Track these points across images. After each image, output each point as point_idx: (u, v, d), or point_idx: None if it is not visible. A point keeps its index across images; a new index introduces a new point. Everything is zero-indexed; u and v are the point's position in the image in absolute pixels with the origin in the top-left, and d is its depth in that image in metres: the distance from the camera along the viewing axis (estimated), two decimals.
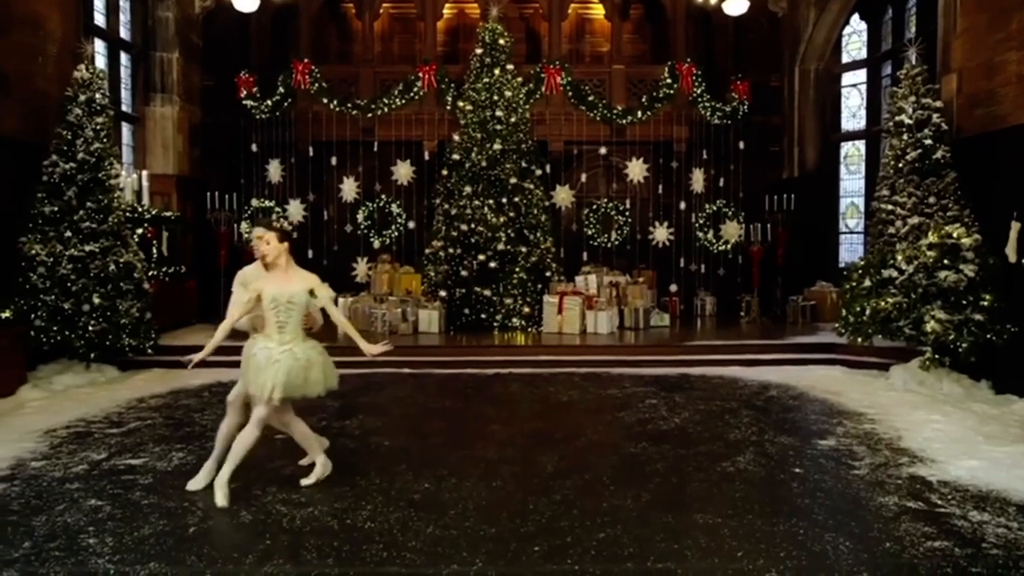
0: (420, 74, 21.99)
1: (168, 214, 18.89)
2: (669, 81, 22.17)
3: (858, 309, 14.66)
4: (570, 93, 22.17)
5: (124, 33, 19.89)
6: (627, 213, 22.81)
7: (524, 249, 19.41)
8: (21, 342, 13.21)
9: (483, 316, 19.19)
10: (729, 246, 22.69)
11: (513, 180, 19.51)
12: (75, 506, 7.81)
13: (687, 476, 8.92)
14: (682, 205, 22.87)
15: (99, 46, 18.44)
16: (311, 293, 8.25)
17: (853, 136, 22.96)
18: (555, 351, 17.15)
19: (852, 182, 22.96)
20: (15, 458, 9.53)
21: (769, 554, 6.67)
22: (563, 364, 16.14)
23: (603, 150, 22.66)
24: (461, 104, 20.51)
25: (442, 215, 20.02)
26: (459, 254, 19.34)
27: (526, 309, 19.21)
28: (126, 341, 14.55)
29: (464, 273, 19.22)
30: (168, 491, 8.23)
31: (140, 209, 17.26)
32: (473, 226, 19.21)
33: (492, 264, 19.06)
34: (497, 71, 20.01)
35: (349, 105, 22.04)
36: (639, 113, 22.22)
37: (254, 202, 22.24)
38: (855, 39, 22.86)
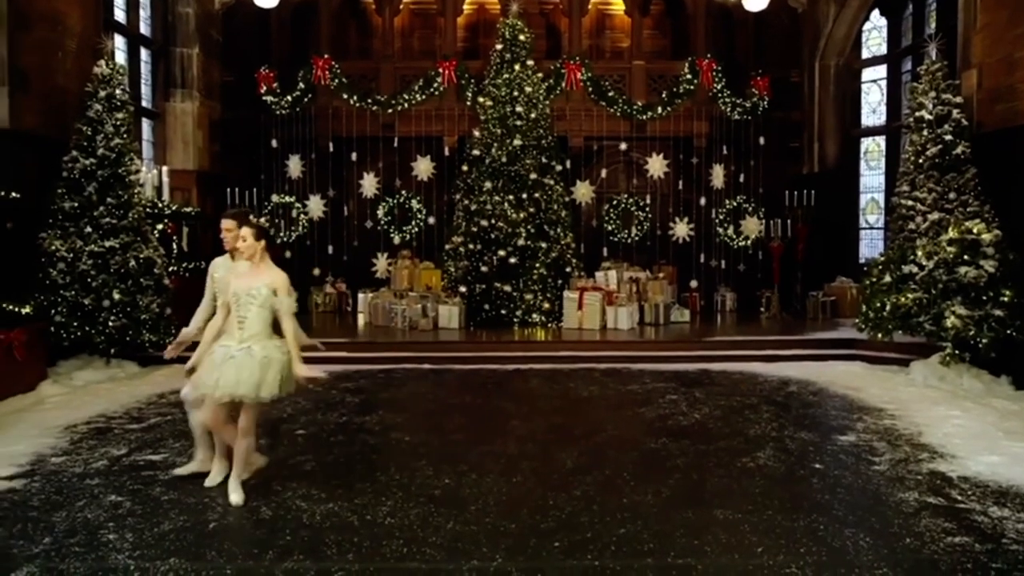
0: (440, 70, 22.00)
1: (188, 210, 18.88)
2: (689, 77, 22.12)
3: (878, 305, 14.63)
4: (590, 89, 22.13)
5: (144, 29, 19.94)
6: (647, 209, 22.80)
7: (544, 245, 19.39)
8: (41, 338, 13.21)
9: (503, 312, 19.15)
10: (749, 242, 22.64)
11: (533, 176, 19.50)
12: (95, 502, 7.82)
13: (707, 472, 8.90)
14: (702, 201, 22.83)
15: (119, 42, 18.49)
16: (274, 292, 7.85)
17: (873, 132, 22.89)
18: (575, 347, 17.14)
19: (872, 178, 22.89)
20: (35, 454, 9.55)
21: (789, 550, 6.66)
22: (583, 360, 16.10)
23: (623, 146, 22.62)
24: (481, 100, 20.50)
25: (462, 211, 20.02)
26: (479, 250, 19.33)
27: (546, 305, 19.19)
28: (146, 337, 14.57)
29: (484, 269, 19.21)
30: (188, 487, 8.21)
31: (160, 205, 17.27)
32: (493, 222, 19.20)
33: (512, 260, 19.04)
34: (517, 67, 19.99)
35: (369, 101, 22.05)
36: (659, 109, 22.19)
37: (274, 198, 22.30)
38: (875, 35, 22.77)
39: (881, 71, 22.65)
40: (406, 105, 22.06)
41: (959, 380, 13.31)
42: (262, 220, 8.16)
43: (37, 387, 12.84)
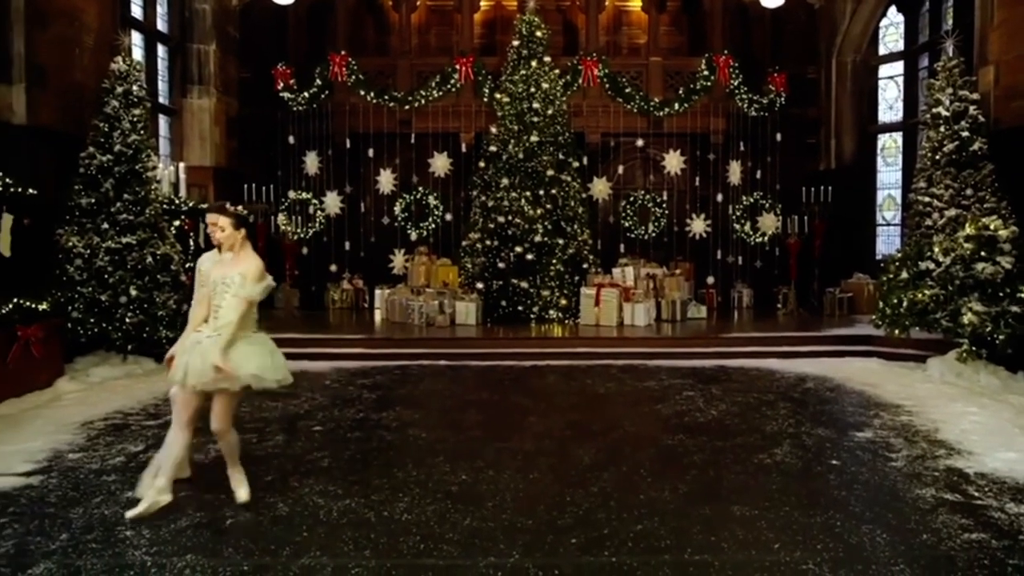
0: (457, 66, 22.05)
1: (205, 206, 18.88)
2: (706, 73, 22.15)
3: (895, 301, 14.60)
4: (607, 85, 22.16)
5: (161, 25, 20.00)
6: (664, 205, 22.83)
7: (561, 241, 19.39)
8: (58, 334, 13.22)
9: (520, 308, 19.16)
10: (766, 238, 22.65)
11: (550, 172, 19.50)
12: (112, 498, 7.82)
13: (724, 468, 8.88)
14: (719, 197, 22.85)
15: (136, 38, 18.52)
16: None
17: (890, 128, 22.85)
18: (592, 343, 17.17)
19: (889, 174, 22.85)
20: (52, 450, 9.57)
21: (806, 546, 6.65)
22: (600, 356, 16.12)
23: (640, 142, 22.65)
24: (498, 96, 20.53)
25: (479, 207, 20.03)
26: (496, 246, 19.34)
27: (563, 301, 19.19)
28: (163, 333, 14.55)
29: (501, 265, 19.22)
30: (205, 483, 8.22)
31: (177, 201, 17.28)
32: (510, 218, 19.21)
33: (529, 256, 19.05)
34: (534, 63, 19.99)
35: (386, 97, 22.11)
36: (676, 105, 22.22)
37: (291, 194, 22.37)
38: (892, 31, 22.74)
39: (898, 67, 22.61)
40: (423, 101, 22.14)
41: (976, 376, 13.28)
42: (239, 208, 7.85)
43: (54, 383, 12.85)
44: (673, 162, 22.62)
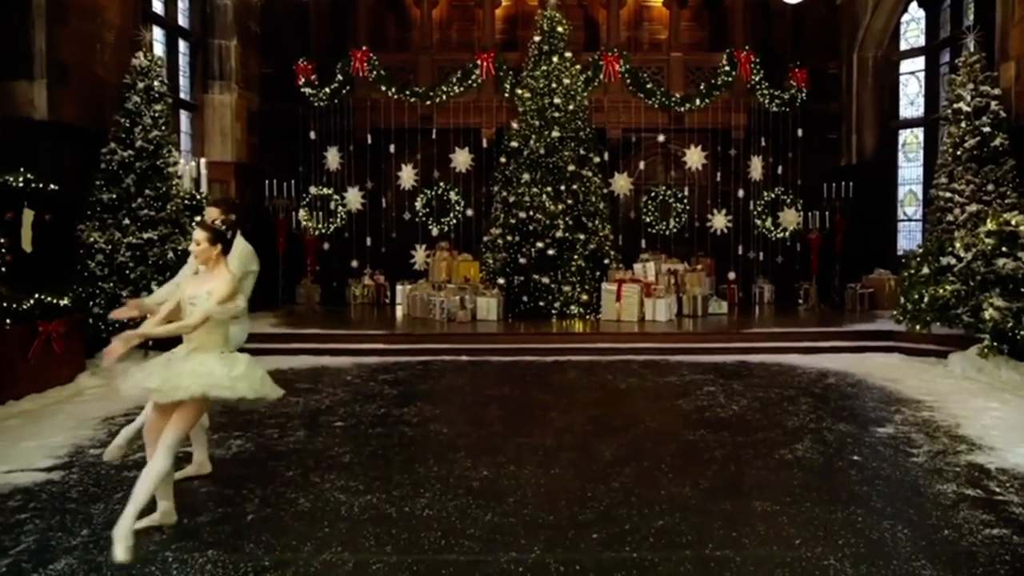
0: (478, 61, 22.06)
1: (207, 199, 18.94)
2: (727, 68, 22.12)
3: (916, 296, 14.57)
4: (628, 80, 22.16)
5: (182, 20, 20.06)
6: (685, 200, 22.78)
7: (582, 237, 19.41)
8: (79, 330, 13.27)
9: (541, 303, 19.18)
10: (787, 233, 22.60)
11: (571, 167, 19.51)
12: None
13: (745, 464, 8.87)
14: (740, 192, 22.81)
15: (157, 33, 18.61)
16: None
17: (911, 123, 22.79)
18: (613, 338, 17.14)
19: (910, 170, 22.81)
20: (74, 445, 9.61)
21: (827, 541, 6.63)
22: (621, 351, 16.10)
23: (661, 137, 22.63)
24: (519, 92, 20.54)
25: (500, 202, 20.06)
26: (517, 241, 19.37)
27: (584, 296, 19.21)
28: None
29: (522, 260, 19.24)
30: (225, 478, 8.25)
31: (198, 197, 17.31)
32: (531, 213, 19.23)
33: (550, 252, 19.06)
34: (555, 59, 20.03)
35: (407, 92, 22.11)
36: (697, 100, 22.20)
37: (312, 190, 22.39)
38: (913, 26, 22.67)
39: (919, 63, 22.54)
40: (444, 97, 22.15)
41: (997, 372, 13.25)
42: (218, 222, 7.37)
43: (75, 379, 12.89)
44: (694, 158, 22.59)
